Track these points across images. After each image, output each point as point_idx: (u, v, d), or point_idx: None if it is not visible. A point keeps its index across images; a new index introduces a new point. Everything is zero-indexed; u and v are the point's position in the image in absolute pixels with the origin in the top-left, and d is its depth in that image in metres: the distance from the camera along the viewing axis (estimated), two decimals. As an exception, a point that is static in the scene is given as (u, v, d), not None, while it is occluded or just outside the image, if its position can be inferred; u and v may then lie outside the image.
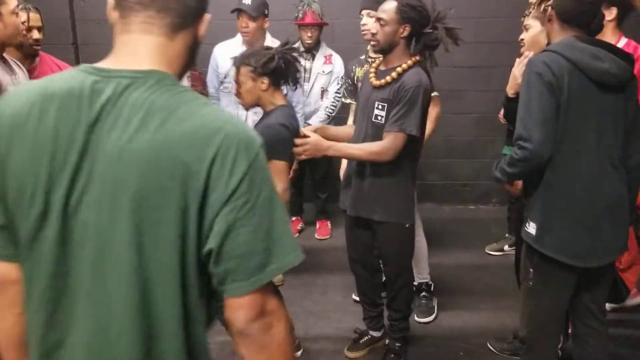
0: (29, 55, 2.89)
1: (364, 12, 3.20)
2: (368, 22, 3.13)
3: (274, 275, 1.00)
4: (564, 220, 2.09)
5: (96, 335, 0.99)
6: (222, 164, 0.95)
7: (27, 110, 0.98)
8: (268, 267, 0.99)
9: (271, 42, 3.64)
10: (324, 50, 3.97)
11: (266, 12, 3.63)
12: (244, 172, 0.96)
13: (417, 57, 2.48)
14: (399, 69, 2.45)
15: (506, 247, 4.17)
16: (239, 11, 3.55)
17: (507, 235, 4.25)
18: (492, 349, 3.00)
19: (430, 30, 2.43)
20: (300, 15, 3.84)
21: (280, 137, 2.32)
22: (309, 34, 3.83)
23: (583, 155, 2.05)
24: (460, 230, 4.70)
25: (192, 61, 1.11)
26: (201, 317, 1.04)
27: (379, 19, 2.45)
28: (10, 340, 1.11)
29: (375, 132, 2.50)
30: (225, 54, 3.64)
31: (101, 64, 1.02)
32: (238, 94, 2.45)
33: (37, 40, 2.87)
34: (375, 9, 3.14)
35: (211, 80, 3.79)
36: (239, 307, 1.00)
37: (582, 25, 2.05)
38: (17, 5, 2.71)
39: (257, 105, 2.47)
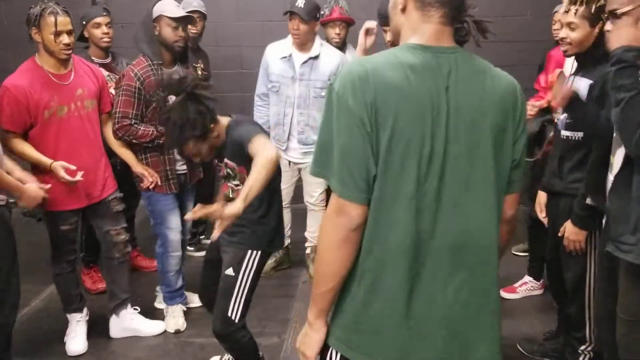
0: (63, 61, 2.85)
1: (385, 27, 3.13)
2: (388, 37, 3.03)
3: None
4: None
5: (461, 231, 1.37)
6: (521, 106, 1.44)
7: (401, 77, 1.31)
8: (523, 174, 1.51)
9: (319, 45, 3.63)
10: (351, 53, 3.93)
11: (318, 16, 3.61)
12: (525, 110, 1.46)
13: None
14: None
15: (533, 248, 4.12)
16: (291, 13, 3.53)
17: (533, 235, 4.20)
18: (521, 350, 2.96)
19: (460, 25, 2.38)
20: (327, 12, 3.80)
21: (248, 124, 2.40)
22: (337, 31, 3.78)
23: None
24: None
25: None
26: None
27: None
28: (344, 270, 1.38)
29: None
30: (276, 55, 3.67)
31: (419, 42, 1.38)
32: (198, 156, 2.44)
33: (67, 45, 2.79)
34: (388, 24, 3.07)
35: (262, 78, 3.79)
36: (514, 201, 1.49)
37: None
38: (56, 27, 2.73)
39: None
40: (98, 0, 4.41)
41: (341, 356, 1.42)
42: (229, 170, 2.44)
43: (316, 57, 3.59)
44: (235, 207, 2.02)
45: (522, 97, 1.43)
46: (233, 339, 2.49)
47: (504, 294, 3.51)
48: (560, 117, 2.57)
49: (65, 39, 2.77)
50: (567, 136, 2.51)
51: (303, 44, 3.59)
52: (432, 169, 1.32)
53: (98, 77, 3.07)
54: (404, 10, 1.41)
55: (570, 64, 2.61)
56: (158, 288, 3.46)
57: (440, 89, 1.32)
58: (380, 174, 1.31)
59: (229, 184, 2.49)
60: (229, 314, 2.43)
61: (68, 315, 3.15)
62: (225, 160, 2.44)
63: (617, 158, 2.11)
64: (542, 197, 2.78)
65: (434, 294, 1.36)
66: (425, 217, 1.33)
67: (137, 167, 3.10)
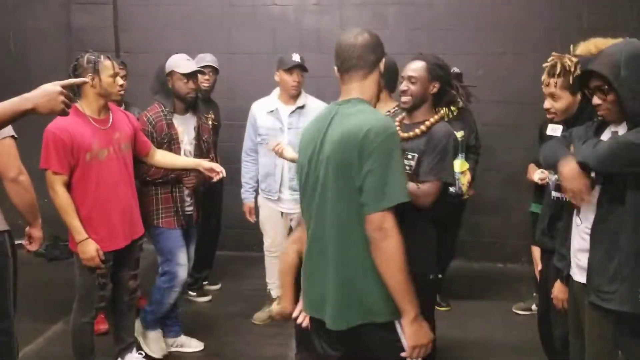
0: (104, 106, 2.99)
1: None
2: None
3: (385, 207, 1.82)
4: None
5: (316, 235, 2.00)
6: (365, 143, 1.83)
7: (308, 128, 2.09)
8: (381, 201, 1.82)
9: (305, 96, 3.82)
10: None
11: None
12: (374, 147, 1.82)
13: (442, 112, 2.57)
14: (427, 123, 2.51)
15: (534, 307, 4.10)
16: (293, 67, 3.71)
17: (535, 294, 4.20)
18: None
19: (449, 89, 2.54)
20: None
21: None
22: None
23: None
24: (489, 288, 4.68)
25: (379, 88, 2.14)
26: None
27: (409, 77, 2.53)
28: (289, 268, 2.16)
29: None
30: (262, 110, 3.84)
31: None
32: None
33: (122, 85, 3.03)
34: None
35: (249, 134, 3.95)
36: (368, 221, 1.83)
37: None
38: (114, 69, 2.93)
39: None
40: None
41: None
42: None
43: (302, 107, 3.77)
44: None
45: (370, 136, 1.82)
46: None
47: None
48: (552, 177, 2.64)
49: (120, 80, 2.99)
50: (557, 197, 2.57)
51: (298, 95, 3.77)
52: (308, 186, 2.00)
53: (133, 122, 3.19)
54: None
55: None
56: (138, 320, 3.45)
57: (321, 130, 1.96)
58: None
59: None
60: None
61: None
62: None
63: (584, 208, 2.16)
64: (536, 251, 2.83)
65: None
66: (310, 224, 2.02)
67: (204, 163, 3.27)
